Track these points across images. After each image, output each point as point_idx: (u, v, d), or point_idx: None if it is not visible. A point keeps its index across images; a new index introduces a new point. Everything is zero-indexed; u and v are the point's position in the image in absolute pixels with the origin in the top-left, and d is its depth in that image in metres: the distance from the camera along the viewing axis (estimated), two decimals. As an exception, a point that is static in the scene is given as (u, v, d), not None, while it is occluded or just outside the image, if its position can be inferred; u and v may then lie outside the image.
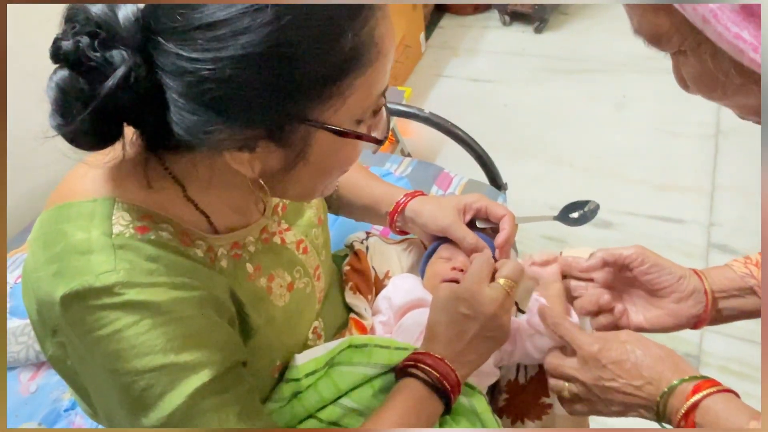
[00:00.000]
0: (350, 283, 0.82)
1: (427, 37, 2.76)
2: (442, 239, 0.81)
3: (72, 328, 0.47)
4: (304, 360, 0.65)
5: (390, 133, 1.92)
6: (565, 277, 0.73)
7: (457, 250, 0.79)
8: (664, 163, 1.96)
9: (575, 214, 0.83)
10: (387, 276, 0.86)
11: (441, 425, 0.65)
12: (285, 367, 0.66)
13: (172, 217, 0.53)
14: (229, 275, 0.56)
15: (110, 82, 0.42)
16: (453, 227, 0.77)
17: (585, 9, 2.78)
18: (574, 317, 0.71)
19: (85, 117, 0.43)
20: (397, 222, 0.83)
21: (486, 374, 0.74)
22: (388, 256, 0.88)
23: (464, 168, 1.34)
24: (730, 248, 1.67)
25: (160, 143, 0.51)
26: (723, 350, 1.45)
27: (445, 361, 0.61)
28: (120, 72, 0.42)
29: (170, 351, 0.47)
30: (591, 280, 0.72)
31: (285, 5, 0.42)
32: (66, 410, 0.94)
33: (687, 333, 1.53)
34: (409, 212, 0.81)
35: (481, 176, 1.31)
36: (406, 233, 0.86)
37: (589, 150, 2.06)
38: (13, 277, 1.18)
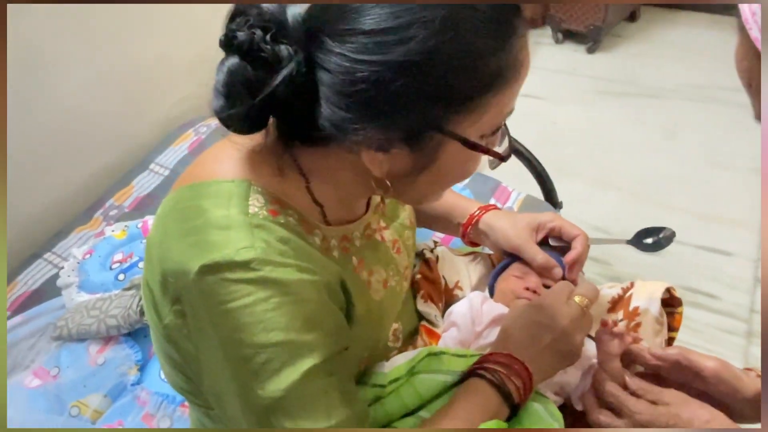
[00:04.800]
0: (422, 291, 0.84)
1: (478, 49, 2.78)
2: (514, 256, 0.82)
3: (202, 298, 0.50)
4: (389, 368, 0.69)
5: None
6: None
7: (529, 269, 0.80)
8: (712, 194, 1.95)
9: (649, 240, 0.83)
10: (457, 286, 0.88)
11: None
12: (370, 360, 0.68)
13: (295, 206, 0.56)
14: (340, 265, 0.59)
15: (282, 74, 0.46)
16: (524, 247, 0.78)
17: (639, 33, 2.78)
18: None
19: (249, 104, 0.47)
20: (469, 234, 0.85)
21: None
22: (457, 267, 0.90)
23: (513, 182, 1.36)
24: (776, 286, 1.66)
25: (296, 135, 0.55)
26: (765, 388, 1.44)
27: (513, 355, 0.62)
28: (289, 66, 0.46)
29: (292, 330, 0.49)
30: (657, 365, 0.70)
31: (452, 21, 0.45)
32: (132, 384, 0.98)
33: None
34: (482, 225, 0.83)
35: (532, 191, 1.33)
36: (477, 244, 0.88)
37: (636, 175, 2.05)
38: (80, 252, 1.22)
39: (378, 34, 0.45)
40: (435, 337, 0.79)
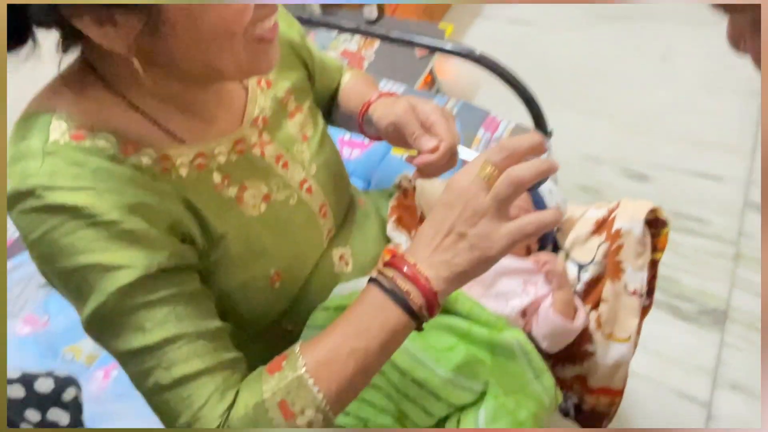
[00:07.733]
0: (394, 216, 0.83)
1: (466, -24, 2.66)
2: None
3: (18, 230, 0.51)
4: (347, 291, 0.68)
5: (428, 72, 1.89)
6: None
7: None
8: (706, 118, 1.92)
9: None
10: (433, 216, 0.87)
11: (476, 361, 0.67)
12: (287, 277, 0.65)
13: (116, 127, 0.54)
14: (189, 184, 0.57)
15: None
16: (403, 120, 0.66)
17: (634, -48, 2.66)
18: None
19: None
20: (363, 125, 0.77)
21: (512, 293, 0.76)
22: (435, 197, 0.89)
23: (503, 111, 1.32)
24: (766, 208, 1.66)
25: (69, 46, 0.52)
26: (751, 307, 1.46)
27: (405, 257, 0.53)
28: None
29: (92, 252, 0.49)
30: None
31: None
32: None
33: (717, 288, 1.54)
34: (370, 111, 0.74)
35: (523, 120, 1.30)
36: (379, 139, 0.77)
37: (629, 102, 2.01)
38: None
39: None
40: None
